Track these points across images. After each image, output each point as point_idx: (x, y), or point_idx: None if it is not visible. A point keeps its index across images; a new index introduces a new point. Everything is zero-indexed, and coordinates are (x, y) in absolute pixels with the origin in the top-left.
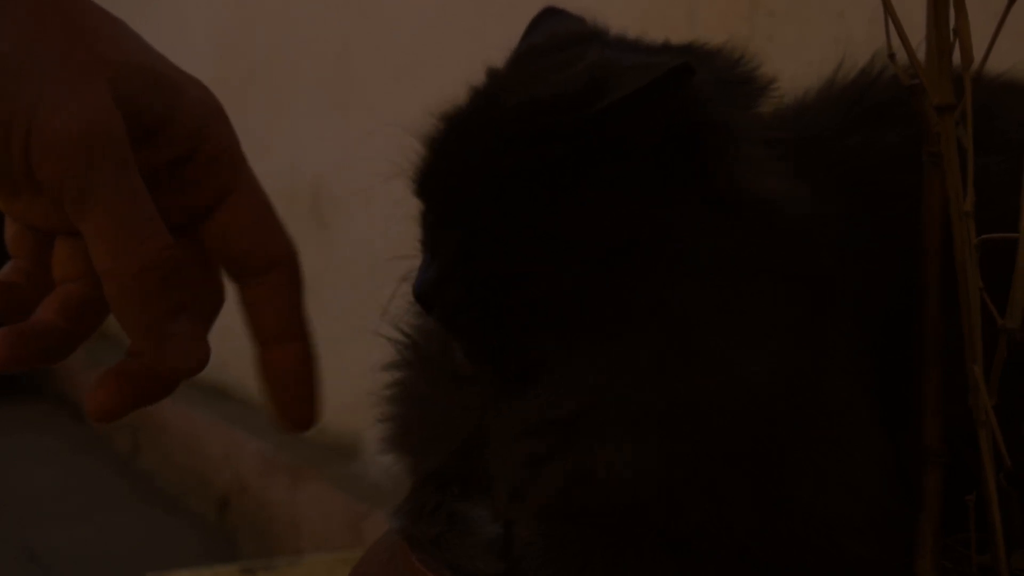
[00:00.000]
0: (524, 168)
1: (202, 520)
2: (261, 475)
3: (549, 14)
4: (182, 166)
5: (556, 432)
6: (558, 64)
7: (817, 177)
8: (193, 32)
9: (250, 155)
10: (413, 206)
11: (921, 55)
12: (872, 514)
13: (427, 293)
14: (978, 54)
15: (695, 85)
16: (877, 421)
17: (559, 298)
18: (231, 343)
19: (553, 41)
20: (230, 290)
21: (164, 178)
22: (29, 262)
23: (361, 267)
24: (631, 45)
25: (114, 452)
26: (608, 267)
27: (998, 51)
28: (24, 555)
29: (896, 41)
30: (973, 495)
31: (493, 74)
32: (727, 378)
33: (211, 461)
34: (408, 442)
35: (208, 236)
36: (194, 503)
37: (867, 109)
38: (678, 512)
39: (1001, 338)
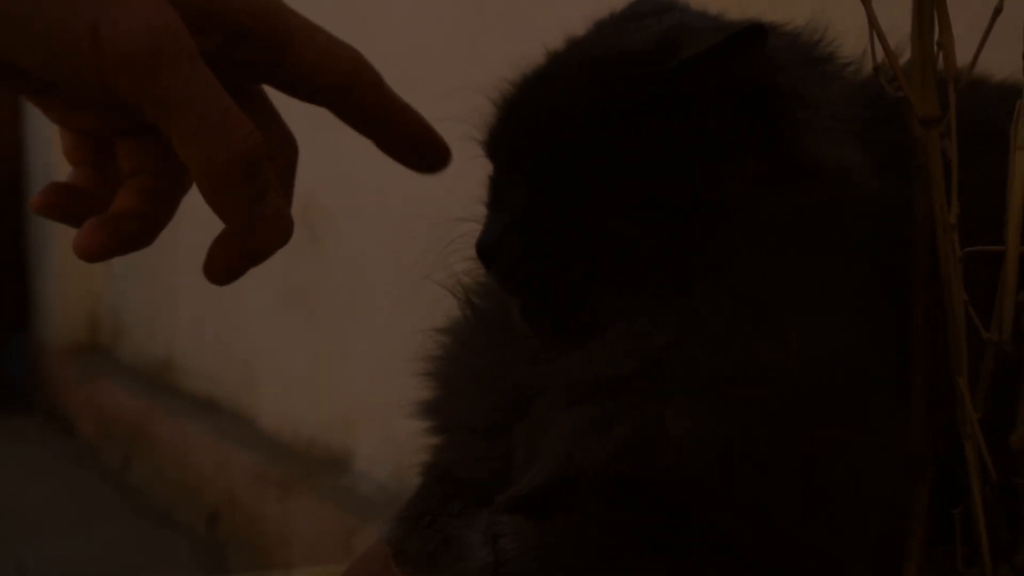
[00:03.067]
0: (595, 124)
1: (193, 533)
2: (251, 488)
3: None
4: (236, 42)
5: (616, 391)
6: (635, 28)
7: (882, 157)
8: None
9: None
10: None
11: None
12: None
13: (489, 247)
14: (963, 66)
15: (771, 53)
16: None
17: (623, 254)
18: (221, 357)
19: (632, 10)
20: (239, 293)
21: (223, 58)
22: (91, 167)
23: (353, 280)
24: (711, 18)
25: (105, 466)
26: (675, 225)
27: (983, 62)
28: (15, 569)
29: (881, 53)
30: (959, 508)
31: (571, 39)
32: (794, 350)
33: (202, 474)
34: (448, 401)
35: (287, 77)
36: (185, 516)
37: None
38: (729, 486)
39: (988, 350)
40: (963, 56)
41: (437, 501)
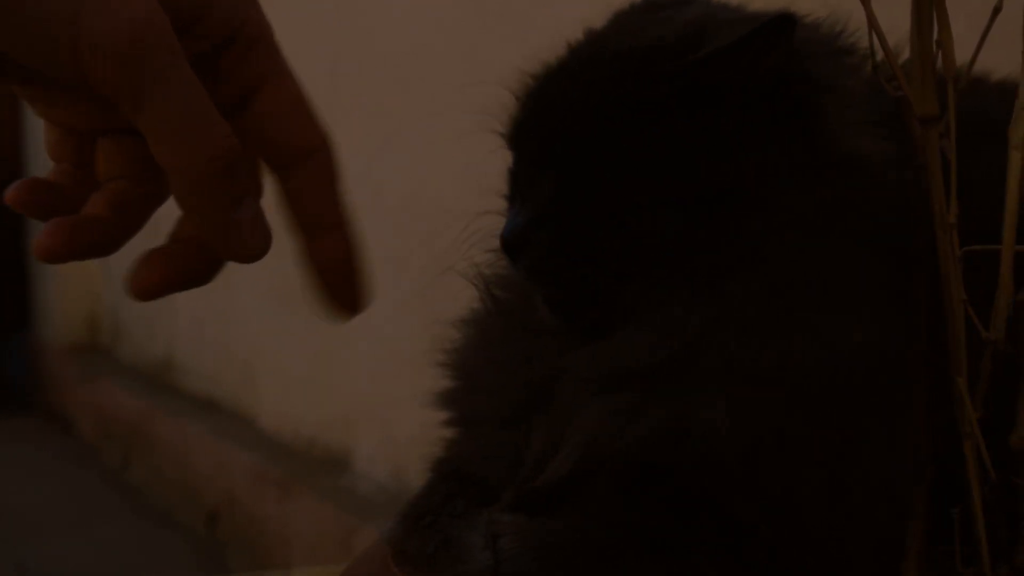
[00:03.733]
0: (622, 114)
1: (192, 533)
2: (251, 488)
3: None
4: (220, 55)
5: (647, 380)
6: (658, 19)
7: (904, 148)
8: None
9: None
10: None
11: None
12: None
13: (515, 240)
14: (962, 64)
15: (798, 43)
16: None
17: (652, 246)
18: (221, 357)
19: (653, 1)
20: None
21: (204, 68)
22: (72, 165)
23: None
24: (733, 8)
25: (104, 465)
26: (705, 216)
27: (982, 62)
28: (14, 569)
29: (880, 52)
30: (958, 507)
31: (590, 32)
32: (827, 344)
33: (201, 474)
34: (465, 392)
35: (246, 126)
36: (184, 516)
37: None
38: (757, 477)
39: (987, 350)
40: (962, 55)
41: (440, 500)
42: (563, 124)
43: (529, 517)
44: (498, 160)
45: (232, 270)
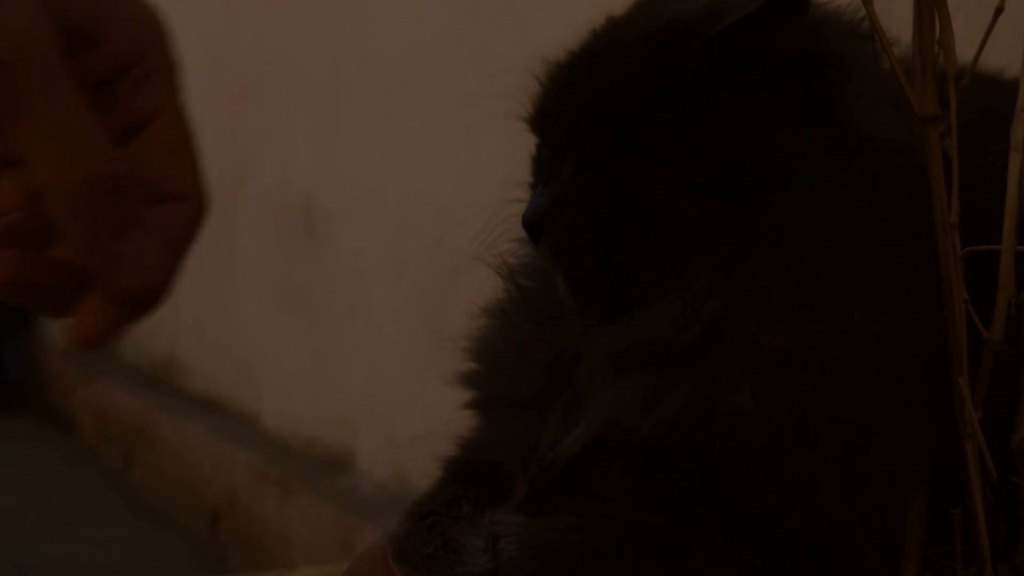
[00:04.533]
0: (643, 96)
1: (193, 534)
2: (252, 489)
3: None
4: (114, 83)
5: (669, 360)
6: (677, 1)
7: None
8: (185, 50)
9: (243, 170)
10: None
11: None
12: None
13: (537, 221)
14: (963, 63)
15: (817, 25)
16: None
17: (673, 225)
18: (222, 357)
19: None
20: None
21: (100, 93)
22: None
23: (352, 280)
24: None
25: (105, 466)
26: (726, 196)
27: (984, 62)
28: (14, 569)
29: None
30: (959, 508)
31: (611, 17)
32: (852, 329)
33: (202, 475)
34: (488, 375)
35: (128, 155)
36: (185, 517)
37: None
38: (778, 461)
39: (986, 350)
40: (962, 54)
41: (445, 501)
42: (585, 108)
43: (530, 517)
44: (501, 161)
45: (234, 270)
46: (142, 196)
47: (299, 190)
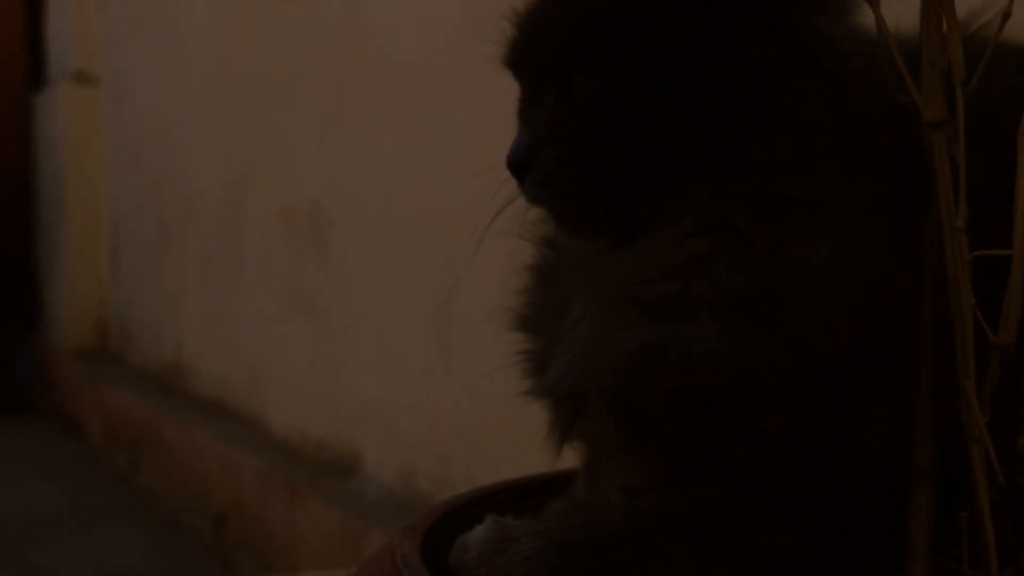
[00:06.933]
0: (615, 22)
1: (200, 537)
2: (259, 492)
3: None
4: None
5: (637, 306)
6: None
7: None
8: (194, 57)
9: (251, 175)
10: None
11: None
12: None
13: (520, 160)
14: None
15: None
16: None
17: (652, 156)
18: (230, 361)
19: None
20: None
21: None
22: None
23: (359, 285)
24: None
25: (112, 469)
26: (701, 124)
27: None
28: (23, 571)
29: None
30: (966, 512)
31: None
32: (816, 273)
33: (209, 478)
34: (527, 318)
35: None
36: (192, 520)
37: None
38: (744, 403)
39: (993, 353)
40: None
41: (461, 504)
42: (560, 35)
43: (532, 518)
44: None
45: (242, 275)
46: None
47: (307, 196)
